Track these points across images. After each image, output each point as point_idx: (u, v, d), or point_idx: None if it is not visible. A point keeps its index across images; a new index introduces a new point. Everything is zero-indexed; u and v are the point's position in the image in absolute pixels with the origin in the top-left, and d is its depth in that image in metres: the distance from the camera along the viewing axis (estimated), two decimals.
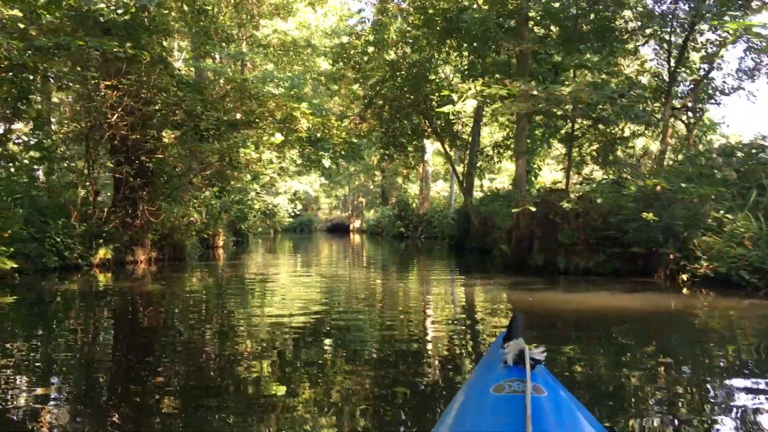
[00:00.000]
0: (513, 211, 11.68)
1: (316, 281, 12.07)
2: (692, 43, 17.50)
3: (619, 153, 18.32)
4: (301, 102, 14.94)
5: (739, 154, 11.94)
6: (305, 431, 3.35)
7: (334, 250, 24.56)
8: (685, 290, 9.28)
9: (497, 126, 25.04)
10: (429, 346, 5.57)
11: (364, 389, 4.09)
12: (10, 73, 9.08)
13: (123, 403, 3.84)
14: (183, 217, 15.96)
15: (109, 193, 14.89)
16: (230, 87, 15.09)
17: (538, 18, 15.26)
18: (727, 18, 12.33)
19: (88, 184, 13.00)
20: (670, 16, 15.78)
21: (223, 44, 20.77)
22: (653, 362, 4.99)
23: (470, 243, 19.70)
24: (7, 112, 9.97)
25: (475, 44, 17.31)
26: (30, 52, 8.65)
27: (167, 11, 14.35)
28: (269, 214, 35.49)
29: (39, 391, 4.05)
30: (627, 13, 16.65)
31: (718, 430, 3.38)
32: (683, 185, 9.59)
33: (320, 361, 4.94)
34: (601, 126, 15.64)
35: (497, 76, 10.10)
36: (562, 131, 19.50)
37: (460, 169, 22.73)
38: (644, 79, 18.67)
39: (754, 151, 11.75)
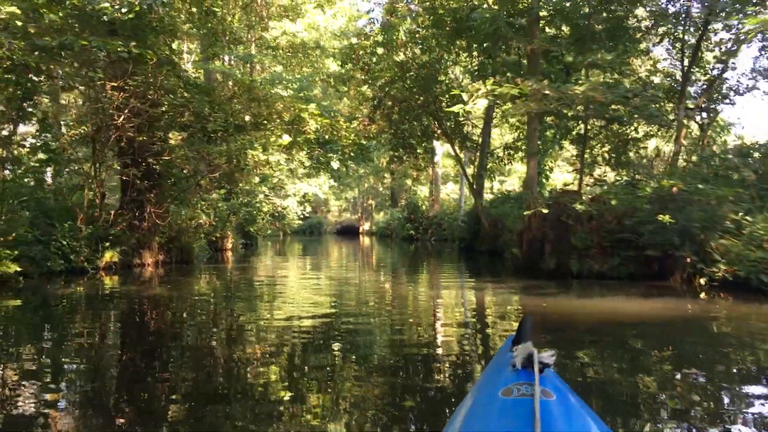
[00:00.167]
0: (525, 213, 11.45)
1: (325, 284, 11.94)
2: (706, 43, 17.26)
3: (631, 154, 18.07)
4: (309, 103, 14.80)
5: (757, 154, 11.67)
6: None
7: (343, 253, 24.40)
8: (702, 294, 9.03)
9: (508, 127, 24.82)
10: (439, 351, 5.49)
11: (373, 394, 4.06)
12: (13, 74, 8.95)
13: (130, 407, 3.80)
14: (191, 219, 15.83)
15: (117, 196, 14.79)
16: (238, 88, 14.96)
17: (549, 17, 15.05)
18: (742, 16, 12.07)
19: (94, 186, 12.90)
20: (684, 15, 15.54)
21: (232, 46, 20.67)
22: (669, 368, 4.86)
23: (480, 245, 19.47)
24: (12, 113, 9.85)
25: (485, 44, 17.14)
26: (33, 52, 8.54)
27: (175, 13, 14.28)
28: (278, 216, 35.37)
29: (45, 395, 4.01)
30: (640, 12, 16.42)
31: None
32: (700, 186, 9.34)
33: (329, 366, 4.87)
34: (614, 126, 15.39)
35: (509, 74, 9.87)
36: (574, 132, 19.31)
37: (470, 170, 22.51)
38: (657, 80, 18.42)
39: None
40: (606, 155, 18.25)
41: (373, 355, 5.31)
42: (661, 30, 16.36)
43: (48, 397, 3.97)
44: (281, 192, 36.28)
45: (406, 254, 22.97)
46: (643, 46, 17.77)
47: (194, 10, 16.31)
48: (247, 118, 14.80)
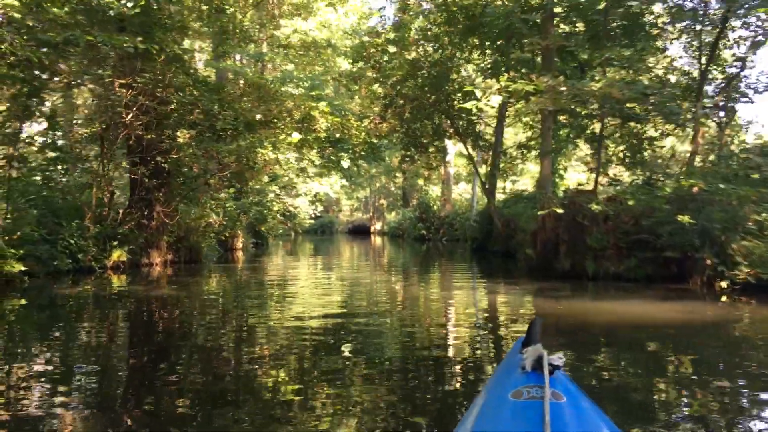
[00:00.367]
0: (539, 213, 11.18)
1: (336, 284, 11.82)
2: (724, 40, 16.90)
3: (646, 154, 17.73)
4: (319, 101, 14.61)
5: None
6: None
7: (354, 253, 24.26)
8: (723, 298, 8.76)
9: (521, 126, 24.54)
10: (450, 352, 5.42)
11: (383, 395, 4.03)
12: (17, 70, 8.82)
13: (137, 408, 3.75)
14: (200, 218, 15.70)
15: (127, 194, 14.68)
16: (248, 86, 14.80)
17: (564, 13, 14.77)
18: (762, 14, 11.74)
19: (103, 184, 12.79)
20: (702, 12, 15.19)
21: (243, 44, 20.53)
22: (687, 374, 4.72)
23: (493, 246, 19.22)
24: (18, 110, 9.74)
25: (498, 42, 16.87)
26: (35, 47, 8.41)
27: (186, 12, 14.16)
28: (289, 215, 35.27)
29: (52, 395, 3.97)
30: (656, 8, 16.09)
31: None
32: (722, 186, 9.04)
33: (339, 367, 4.81)
34: (631, 124, 15.07)
35: (523, 70, 9.62)
36: (588, 131, 19.00)
37: (482, 170, 22.24)
38: (673, 78, 18.07)
39: None
40: (621, 155, 17.93)
41: (384, 356, 5.24)
42: (678, 26, 15.98)
43: (55, 397, 3.94)
44: (292, 191, 36.20)
45: (418, 254, 22.79)
46: (659, 43, 17.45)
47: (204, 7, 16.19)
48: (259, 116, 14.65)
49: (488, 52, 18.83)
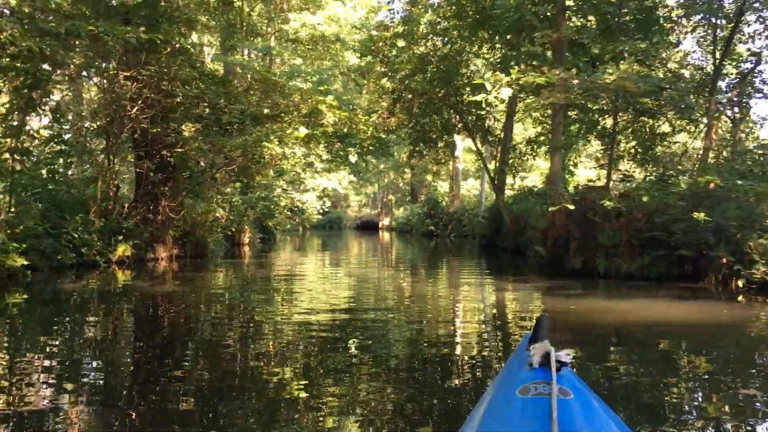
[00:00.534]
0: (550, 209, 10.96)
1: (343, 280, 11.72)
2: (739, 35, 16.60)
3: (658, 150, 17.46)
4: (327, 95, 14.45)
5: None
6: None
7: (362, 249, 24.14)
8: (739, 297, 8.53)
9: (531, 122, 24.27)
10: (458, 350, 5.36)
11: (390, 392, 3.99)
12: (18, 61, 8.69)
13: (142, 403, 3.72)
14: (206, 213, 15.58)
15: (134, 188, 14.58)
16: (254, 80, 14.65)
17: (576, 6, 14.52)
18: None
19: (108, 178, 12.68)
20: (716, 5, 14.89)
21: (250, 38, 20.40)
22: (700, 375, 4.60)
23: (502, 242, 19.00)
24: (21, 102, 9.61)
25: (508, 36, 16.64)
26: (38, 37, 8.27)
27: (194, 5, 14.02)
28: (297, 211, 35.15)
29: (56, 391, 3.95)
30: (670, 1, 15.81)
31: None
32: (739, 182, 8.78)
33: (345, 364, 4.76)
34: (643, 119, 14.81)
35: (534, 63, 9.40)
36: (599, 126, 18.75)
37: (491, 166, 22.00)
38: (686, 73, 17.78)
39: None
40: (633, 150, 17.66)
41: (391, 353, 5.19)
42: (694, 18, 15.68)
43: (59, 392, 3.90)
44: (300, 186, 36.10)
45: (426, 250, 22.64)
46: (672, 37, 17.17)
47: (212, 0, 16.06)
48: (266, 110, 14.50)
49: (498, 46, 18.62)
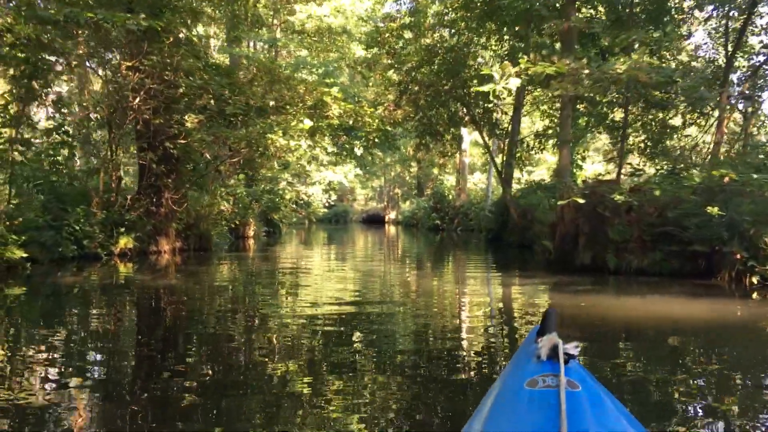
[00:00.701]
0: (559, 203, 10.73)
1: (348, 275, 11.61)
2: (751, 27, 16.30)
3: (669, 143, 17.19)
4: (332, 87, 14.27)
5: None
6: (335, 430, 3.16)
7: (368, 242, 23.99)
8: (753, 295, 8.30)
9: (538, 115, 24.02)
10: (464, 345, 5.29)
11: (396, 387, 3.93)
12: (16, 49, 8.52)
13: (143, 398, 3.68)
14: (209, 206, 15.43)
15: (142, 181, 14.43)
16: (258, 71, 14.46)
17: None
18: None
19: (110, 170, 12.54)
20: None
21: (256, 29, 20.20)
22: (713, 374, 4.43)
23: (508, 237, 18.79)
24: (21, 92, 9.45)
25: (516, 27, 16.40)
26: (36, 24, 8.10)
27: None
28: (303, 204, 35.02)
29: (56, 384, 3.91)
30: None
31: None
32: (755, 176, 8.54)
33: (350, 359, 4.72)
34: (655, 113, 14.54)
35: (543, 52, 9.16)
36: (608, 119, 18.50)
37: (498, 159, 21.77)
38: (697, 66, 17.48)
39: None
40: (643, 144, 17.39)
41: (396, 348, 5.14)
42: (706, 9, 15.38)
43: (59, 386, 3.86)
44: (306, 179, 35.96)
45: (432, 244, 22.48)
46: (684, 29, 16.90)
47: None
48: (272, 103, 14.32)
49: (506, 38, 18.37)
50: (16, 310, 6.97)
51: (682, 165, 11.87)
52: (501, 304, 8.09)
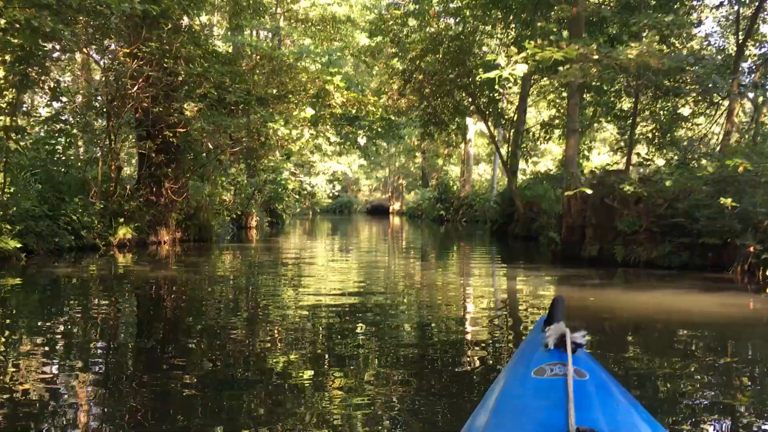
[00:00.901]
0: (566, 194, 10.48)
1: (352, 266, 11.46)
2: (763, 14, 15.96)
3: (679, 133, 16.90)
4: (334, 75, 14.01)
5: None
6: (337, 424, 3.08)
7: (372, 233, 23.84)
8: (767, 289, 8.05)
9: (545, 105, 23.71)
10: (468, 337, 5.21)
11: (399, 381, 3.84)
12: (9, 34, 8.29)
13: (143, 391, 3.57)
14: (210, 195, 15.23)
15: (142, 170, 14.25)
16: (260, 58, 14.21)
17: None
18: None
19: (109, 159, 12.34)
20: None
21: (258, 17, 19.91)
22: (723, 372, 4.29)
23: (514, 228, 18.56)
24: (15, 79, 9.23)
25: (523, 14, 16.09)
26: (30, 8, 7.87)
27: None
28: (307, 194, 34.82)
29: (52, 380, 3.78)
30: None
31: None
32: None
33: (353, 352, 4.62)
34: (663, 100, 14.22)
35: (551, 38, 8.88)
36: (616, 109, 18.21)
37: (503, 150, 21.49)
38: (707, 55, 17.16)
39: None
40: (651, 134, 17.10)
41: (400, 340, 5.06)
42: None
43: (57, 379, 3.77)
44: (310, 170, 35.76)
45: (436, 236, 22.29)
46: (694, 16, 16.59)
47: None
48: (274, 91, 14.08)
49: (512, 25, 18.05)
50: (10, 301, 6.82)
51: (693, 155, 11.57)
52: (506, 296, 7.97)
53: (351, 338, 5.08)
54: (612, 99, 17.82)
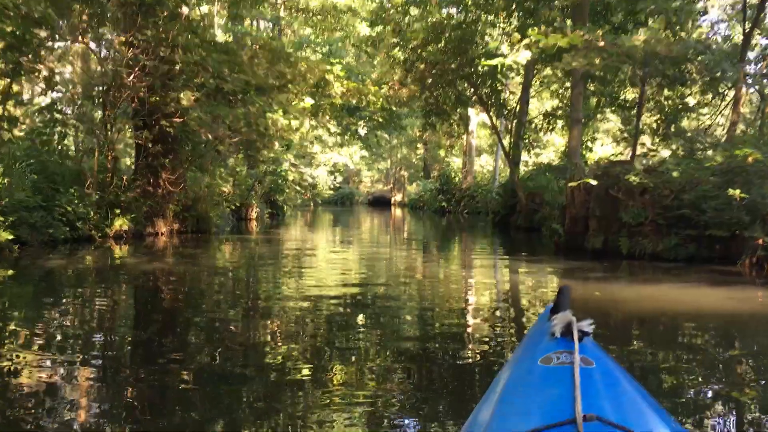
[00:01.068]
0: (570, 185, 10.28)
1: (353, 258, 11.35)
2: None
3: (684, 124, 16.70)
4: (334, 65, 13.80)
5: None
6: (337, 418, 3.04)
7: (374, 225, 23.71)
8: None
9: (547, 95, 23.46)
10: (470, 330, 5.15)
11: (401, 374, 3.79)
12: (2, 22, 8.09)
13: (139, 384, 3.54)
14: (208, 186, 15.04)
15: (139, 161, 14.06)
16: (259, 47, 13.99)
17: None
18: None
19: (105, 149, 12.16)
20: None
21: (258, 6, 19.67)
22: (730, 367, 4.23)
23: (516, 220, 18.37)
24: (8, 67, 9.03)
25: (526, 2, 15.83)
26: None
27: None
28: (308, 186, 34.62)
29: (48, 374, 3.71)
30: None
31: None
32: None
33: (353, 346, 4.58)
34: (669, 90, 13.99)
35: (555, 24, 8.67)
36: (620, 99, 17.98)
37: (506, 141, 21.27)
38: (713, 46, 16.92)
39: None
40: (655, 124, 16.88)
41: (401, 334, 5.00)
42: None
43: (51, 376, 3.68)
44: (311, 161, 35.58)
45: (438, 227, 22.13)
46: (700, 5, 16.32)
47: None
48: (272, 81, 13.86)
49: (515, 14, 17.78)
50: (2, 294, 6.70)
51: (699, 145, 11.35)
52: (508, 288, 7.87)
53: (352, 331, 5.02)
54: (616, 89, 17.57)
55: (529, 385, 1.57)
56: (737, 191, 7.87)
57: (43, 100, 13.33)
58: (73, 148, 13.55)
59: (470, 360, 4.19)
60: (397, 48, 19.16)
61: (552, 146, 33.84)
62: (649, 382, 3.58)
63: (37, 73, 10.70)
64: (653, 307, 6.47)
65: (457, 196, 31.24)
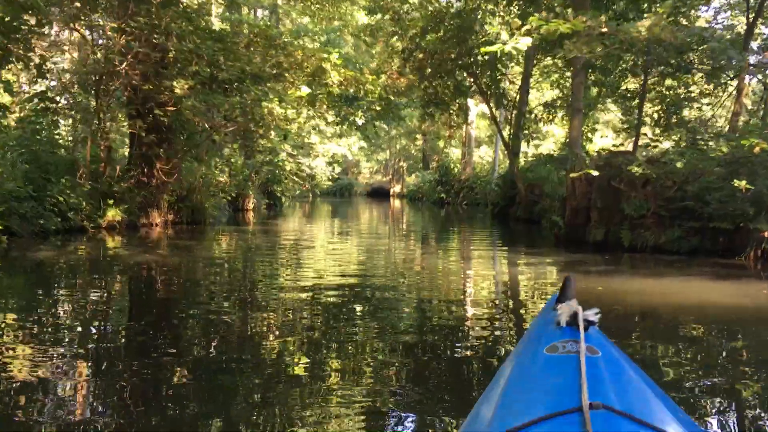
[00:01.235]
0: (571, 175, 10.09)
1: (351, 249, 11.22)
2: None
3: (686, 114, 16.50)
4: (330, 53, 13.57)
5: None
6: (335, 411, 3.00)
7: (372, 216, 23.57)
8: None
9: (547, 86, 23.25)
10: (470, 324, 5.09)
11: (399, 367, 3.76)
12: None
13: (134, 378, 3.46)
14: (204, 177, 14.85)
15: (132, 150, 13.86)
16: (254, 34, 13.75)
17: None
18: None
19: (98, 138, 11.96)
20: None
21: None
22: (733, 362, 4.16)
23: (516, 212, 18.21)
24: None
25: None
26: None
27: None
28: (306, 176, 34.43)
29: (40, 368, 3.63)
30: None
31: None
32: None
33: (351, 340, 4.50)
34: (668, 81, 13.78)
35: (557, 10, 8.43)
36: (621, 89, 17.78)
37: (505, 132, 21.07)
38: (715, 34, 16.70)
39: None
40: (657, 115, 16.68)
41: (400, 326, 4.94)
42: None
43: (43, 370, 3.59)
44: (310, 152, 35.36)
45: (437, 219, 21.98)
46: None
47: None
48: (268, 69, 13.64)
49: (515, 2, 17.54)
50: None
51: (701, 136, 11.15)
52: (507, 281, 7.75)
53: (350, 323, 4.98)
54: (617, 79, 17.37)
55: (535, 374, 1.58)
56: (742, 182, 7.68)
57: (36, 89, 13.11)
58: (65, 137, 13.31)
59: (469, 353, 4.14)
60: (396, 37, 18.94)
61: (552, 137, 33.64)
62: (650, 375, 3.39)
63: (28, 61, 10.47)
64: (655, 300, 6.34)
65: (456, 188, 31.10)
